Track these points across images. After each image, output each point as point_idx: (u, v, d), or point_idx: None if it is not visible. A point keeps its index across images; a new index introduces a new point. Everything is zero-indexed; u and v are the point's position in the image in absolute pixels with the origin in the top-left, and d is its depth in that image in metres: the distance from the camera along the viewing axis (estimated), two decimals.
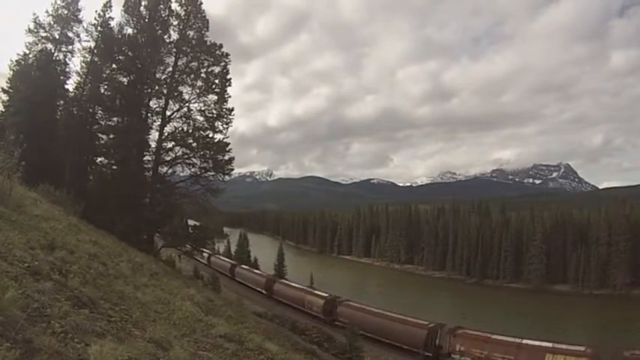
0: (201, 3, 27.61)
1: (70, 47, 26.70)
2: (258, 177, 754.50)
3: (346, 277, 77.41)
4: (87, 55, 26.77)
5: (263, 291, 45.82)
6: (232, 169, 28.41)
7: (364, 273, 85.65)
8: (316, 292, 41.41)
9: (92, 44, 26.61)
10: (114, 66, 26.96)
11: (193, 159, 27.70)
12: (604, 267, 64.87)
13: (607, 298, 61.40)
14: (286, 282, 46.81)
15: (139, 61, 26.80)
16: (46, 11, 25.81)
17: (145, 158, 27.78)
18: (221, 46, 27.65)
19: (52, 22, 25.91)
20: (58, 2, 25.92)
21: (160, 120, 27.45)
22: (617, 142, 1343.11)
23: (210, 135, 27.49)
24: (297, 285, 44.88)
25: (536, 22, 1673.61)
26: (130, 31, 27.29)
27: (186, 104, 27.62)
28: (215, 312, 10.52)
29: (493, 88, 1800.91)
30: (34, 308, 3.66)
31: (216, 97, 27.46)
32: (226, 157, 27.73)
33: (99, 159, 28.29)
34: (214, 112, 27.45)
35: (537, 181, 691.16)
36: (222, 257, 67.42)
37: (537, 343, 25.76)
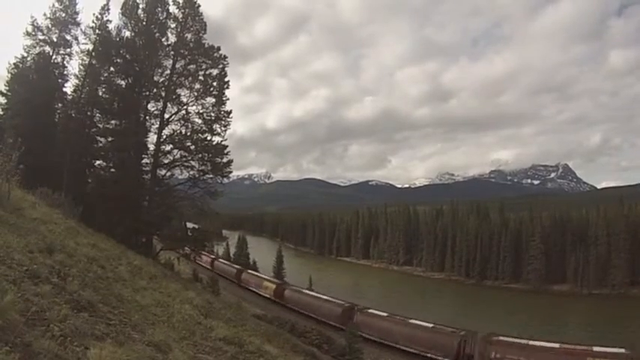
0: (198, 6, 27.68)
1: (68, 50, 26.72)
2: (256, 179, 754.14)
3: (346, 279, 77.21)
4: (85, 58, 26.81)
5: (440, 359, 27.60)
6: (231, 172, 28.44)
7: (363, 274, 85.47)
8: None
9: (90, 47, 26.66)
10: (112, 69, 26.99)
11: (192, 162, 27.72)
12: (603, 266, 64.87)
13: (606, 297, 61.45)
14: (516, 341, 26.10)
15: (136, 64, 26.83)
16: (44, 14, 25.86)
17: (143, 161, 27.80)
18: (219, 48, 27.75)
19: (50, 25, 25.91)
20: (56, 5, 25.93)
21: (158, 123, 27.47)
22: (615, 142, 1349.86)
23: (209, 137, 27.55)
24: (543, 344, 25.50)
25: (535, 22, 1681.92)
26: (127, 33, 27.41)
27: (185, 107, 27.67)
28: (214, 315, 10.51)
29: (492, 89, 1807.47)
30: (33, 312, 3.65)
31: (214, 100, 27.50)
32: (224, 160, 27.76)
33: (97, 162, 28.31)
34: (212, 114, 27.50)
35: (536, 182, 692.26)
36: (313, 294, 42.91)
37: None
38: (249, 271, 55.29)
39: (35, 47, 25.84)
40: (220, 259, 66.42)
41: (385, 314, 33.70)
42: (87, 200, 20.95)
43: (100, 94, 27.24)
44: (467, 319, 43.58)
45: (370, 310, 34.98)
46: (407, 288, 71.86)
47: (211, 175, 27.97)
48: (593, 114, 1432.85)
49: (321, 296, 40.45)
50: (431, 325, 30.10)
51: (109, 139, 27.05)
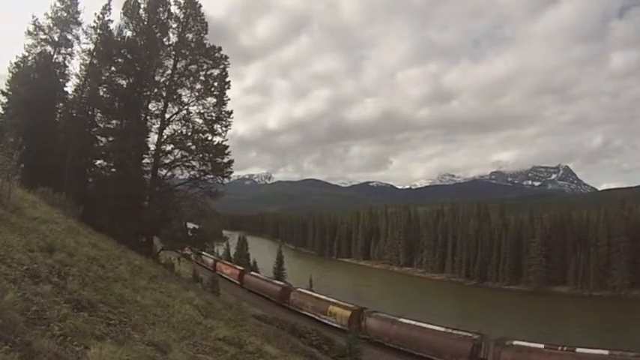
0: (200, 6, 27.69)
1: (70, 50, 26.66)
2: (257, 180, 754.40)
3: (347, 280, 77.05)
4: (86, 58, 26.77)
5: None
6: (231, 172, 28.39)
7: (364, 275, 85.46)
8: None
9: (91, 47, 26.62)
10: (113, 68, 26.95)
11: (192, 162, 27.68)
12: (603, 268, 64.89)
13: (606, 299, 61.41)
14: None
15: (138, 64, 26.81)
16: (46, 14, 25.80)
17: (144, 161, 27.74)
18: (220, 48, 27.72)
19: (51, 25, 25.90)
20: (58, 5, 25.91)
21: (159, 123, 27.46)
22: (616, 144, 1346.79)
23: (210, 138, 27.50)
24: None
25: (536, 23, 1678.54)
26: (129, 33, 27.34)
27: (186, 107, 27.65)
28: (214, 315, 10.50)
29: (493, 90, 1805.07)
30: (33, 311, 3.65)
31: (215, 100, 27.47)
32: (225, 160, 27.71)
33: (98, 161, 28.25)
34: (213, 114, 27.47)
35: (536, 183, 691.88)
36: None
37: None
38: (302, 290, 42.87)
39: (36, 47, 25.83)
40: (253, 273, 54.26)
41: (541, 345, 24.88)
42: (87, 200, 20.88)
43: (101, 93, 27.22)
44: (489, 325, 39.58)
45: (517, 342, 25.40)
46: (410, 289, 71.61)
47: (212, 176, 27.93)
48: (594, 115, 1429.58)
49: (432, 327, 29.30)
50: (607, 352, 23.14)
51: (110, 138, 27.03)
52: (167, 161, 27.83)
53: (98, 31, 26.39)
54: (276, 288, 44.15)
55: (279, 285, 45.45)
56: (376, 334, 31.22)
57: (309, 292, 41.90)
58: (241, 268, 56.62)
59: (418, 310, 46.06)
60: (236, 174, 32.47)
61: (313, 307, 37.40)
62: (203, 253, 62.63)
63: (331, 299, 38.26)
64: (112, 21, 26.96)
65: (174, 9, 27.44)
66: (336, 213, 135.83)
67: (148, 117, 27.50)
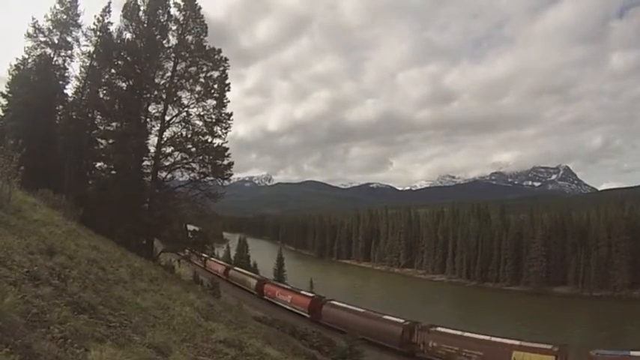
0: (199, 8, 27.73)
1: (69, 52, 26.76)
2: (257, 182, 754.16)
3: (348, 282, 76.99)
4: (86, 60, 26.87)
5: None
6: (231, 174, 28.39)
7: (365, 277, 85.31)
8: None
9: (91, 49, 26.71)
10: (113, 71, 27.01)
11: (192, 164, 27.69)
12: (604, 268, 64.82)
13: (607, 299, 61.28)
14: None
15: (137, 66, 26.86)
16: (45, 16, 25.91)
17: (144, 163, 27.74)
18: (220, 50, 27.76)
19: (51, 27, 25.99)
20: (57, 7, 26.01)
21: (159, 125, 27.47)
22: (616, 144, 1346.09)
23: (209, 140, 27.50)
24: None
25: (537, 24, 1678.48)
26: (128, 36, 27.40)
27: (185, 109, 27.65)
28: (215, 317, 10.49)
29: (493, 91, 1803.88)
30: (33, 313, 3.65)
31: (215, 102, 27.49)
32: (225, 162, 27.71)
33: (98, 164, 28.29)
34: (213, 116, 27.48)
35: (536, 184, 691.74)
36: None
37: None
38: (441, 328, 29.52)
39: (36, 49, 25.90)
40: (336, 302, 38.37)
41: None
42: (87, 202, 20.86)
43: (101, 96, 27.25)
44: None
45: None
46: (414, 291, 71.41)
47: (212, 178, 27.93)
48: (594, 116, 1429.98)
49: None
50: None
51: (110, 141, 27.05)
52: (167, 163, 27.84)
53: (98, 33, 26.48)
54: (394, 328, 30.44)
55: (397, 324, 30.83)
56: None
57: (458, 333, 28.56)
58: (312, 294, 42.20)
59: (427, 313, 45.57)
60: (236, 176, 32.45)
61: (479, 357, 26.16)
62: (237, 268, 57.70)
63: (511, 341, 26.05)
64: (111, 23, 27.12)
65: (173, 11, 27.52)
66: (336, 214, 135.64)
67: (148, 119, 27.52)
